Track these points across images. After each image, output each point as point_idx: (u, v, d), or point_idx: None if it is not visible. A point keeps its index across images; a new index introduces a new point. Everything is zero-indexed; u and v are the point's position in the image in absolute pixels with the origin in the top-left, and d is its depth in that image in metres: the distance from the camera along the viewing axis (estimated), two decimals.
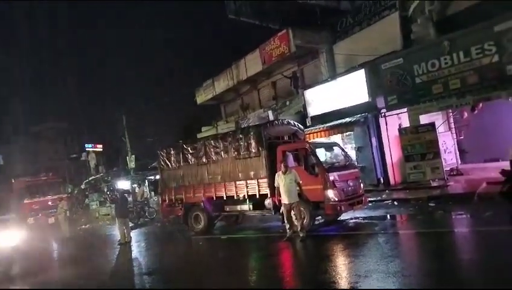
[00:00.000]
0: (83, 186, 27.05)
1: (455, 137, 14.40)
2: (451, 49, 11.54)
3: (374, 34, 15.58)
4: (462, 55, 11.34)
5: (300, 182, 8.32)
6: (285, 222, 8.47)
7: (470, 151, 14.12)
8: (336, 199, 8.60)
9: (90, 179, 27.52)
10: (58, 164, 41.92)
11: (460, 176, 13.15)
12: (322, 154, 9.73)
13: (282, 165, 8.57)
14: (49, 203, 19.04)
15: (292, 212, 8.34)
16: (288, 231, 8.39)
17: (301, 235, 8.15)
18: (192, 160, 11.60)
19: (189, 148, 11.76)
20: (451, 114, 13.80)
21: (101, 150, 32.30)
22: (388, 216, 9.97)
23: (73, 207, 22.26)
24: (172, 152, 12.25)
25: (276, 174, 8.59)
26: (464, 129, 14.24)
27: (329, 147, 10.53)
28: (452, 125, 14.35)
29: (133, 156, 25.35)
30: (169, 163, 12.32)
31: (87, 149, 32.09)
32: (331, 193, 8.61)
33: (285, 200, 8.35)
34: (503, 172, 7.90)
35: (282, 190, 8.38)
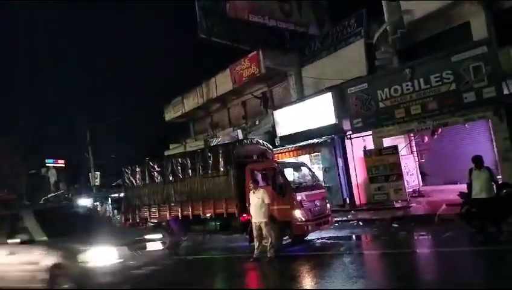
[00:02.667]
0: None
1: (417, 160, 14.97)
2: (412, 76, 12.13)
3: (340, 59, 16.15)
4: (422, 82, 11.93)
5: (267, 201, 8.24)
6: (254, 241, 8.39)
7: (431, 174, 14.70)
8: (303, 219, 8.65)
9: (49, 196, 26.28)
10: (14, 180, 39.75)
11: (421, 197, 13.62)
12: (290, 174, 9.81)
13: (251, 184, 8.55)
14: None
15: (257, 232, 8.27)
16: (256, 250, 8.30)
17: (269, 255, 8.09)
18: (158, 178, 11.37)
19: (155, 166, 11.54)
20: (412, 138, 14.38)
21: (63, 165, 31.05)
22: (353, 236, 10.12)
23: None
24: (137, 169, 11.96)
25: (250, 193, 8.55)
26: (424, 153, 14.85)
27: (297, 167, 10.65)
28: (414, 148, 14.93)
29: (98, 173, 24.53)
30: (134, 181, 12.01)
31: (47, 164, 30.74)
32: (298, 213, 8.65)
33: (253, 218, 8.32)
34: (461, 194, 8.25)
35: (251, 208, 8.34)
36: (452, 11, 12.63)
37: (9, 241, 6.36)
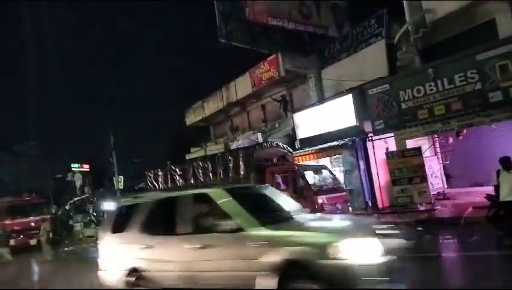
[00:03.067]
0: (67, 207, 26.43)
1: (441, 162, 14.62)
2: (435, 76, 11.88)
3: (361, 60, 15.98)
4: (446, 82, 11.67)
5: None
6: None
7: (456, 176, 14.33)
8: None
9: (75, 199, 26.95)
10: (42, 184, 41.02)
11: (446, 200, 13.28)
12: (310, 177, 9.79)
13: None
14: (32, 224, 18.51)
15: None
16: None
17: None
18: (180, 181, 11.53)
19: (177, 170, 11.72)
20: (436, 139, 14.06)
21: (88, 170, 31.84)
22: None
23: (57, 228, 21.67)
24: (160, 173, 12.16)
25: None
26: (449, 154, 14.48)
27: (317, 169, 10.61)
28: (438, 150, 14.59)
29: (121, 177, 25.05)
30: (156, 184, 12.21)
31: (73, 169, 31.58)
32: None
33: None
34: (488, 197, 8.02)
35: None
36: (476, 9, 12.31)
37: (220, 229, 4.76)
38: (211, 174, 10.75)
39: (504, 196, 7.22)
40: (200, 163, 11.22)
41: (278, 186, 8.61)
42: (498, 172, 7.38)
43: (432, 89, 12.00)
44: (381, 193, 13.70)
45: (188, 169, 11.41)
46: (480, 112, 11.08)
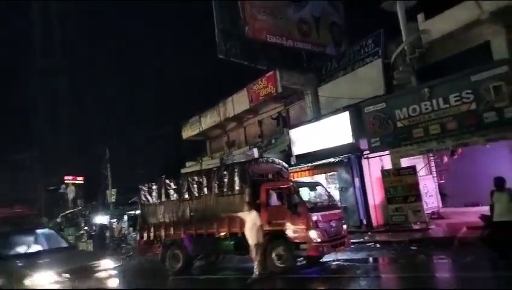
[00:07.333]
0: (58, 220, 26.10)
1: (436, 181, 14.62)
2: (431, 96, 11.99)
3: (358, 78, 16.13)
4: (441, 101, 11.77)
5: (259, 223, 8.48)
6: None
7: (451, 195, 14.31)
8: (319, 240, 8.49)
9: (66, 212, 26.64)
10: (34, 196, 40.49)
11: (441, 219, 13.22)
12: (305, 193, 9.70)
13: (246, 205, 8.70)
14: None
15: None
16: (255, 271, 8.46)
17: (253, 276, 8.33)
18: (174, 196, 11.40)
19: (171, 184, 11.58)
20: (431, 158, 14.10)
21: (82, 182, 31.53)
22: (370, 259, 9.85)
23: None
24: (154, 187, 12.02)
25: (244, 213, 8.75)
26: (444, 173, 14.50)
27: (312, 186, 10.53)
28: (433, 169, 14.61)
29: (114, 189, 24.80)
30: (150, 198, 12.06)
31: (66, 181, 31.25)
32: (313, 234, 8.50)
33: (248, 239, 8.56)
34: (483, 217, 7.97)
35: (245, 230, 8.63)
36: (471, 31, 12.53)
37: None
38: (205, 189, 10.64)
39: (497, 217, 7.19)
40: (195, 177, 11.10)
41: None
42: (492, 192, 7.37)
43: (427, 108, 12.09)
44: (376, 211, 13.64)
45: (182, 183, 11.29)
46: (475, 131, 11.15)
